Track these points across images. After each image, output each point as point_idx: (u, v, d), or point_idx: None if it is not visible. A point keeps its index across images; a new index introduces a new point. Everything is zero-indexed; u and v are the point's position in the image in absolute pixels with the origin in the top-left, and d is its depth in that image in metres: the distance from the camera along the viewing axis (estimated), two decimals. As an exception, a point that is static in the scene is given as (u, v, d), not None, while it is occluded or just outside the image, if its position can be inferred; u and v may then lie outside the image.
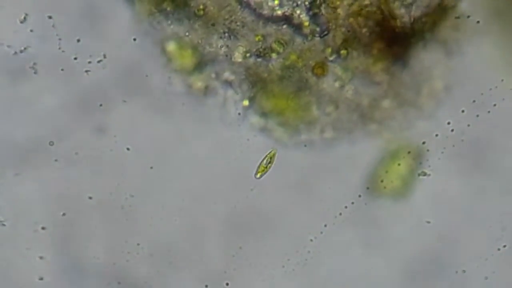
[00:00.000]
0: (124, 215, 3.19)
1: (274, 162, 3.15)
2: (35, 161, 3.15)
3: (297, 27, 3.12)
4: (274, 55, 3.14)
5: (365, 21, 3.12)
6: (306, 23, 3.12)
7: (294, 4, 3.11)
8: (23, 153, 3.15)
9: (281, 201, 3.21)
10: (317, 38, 3.13)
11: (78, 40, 3.12)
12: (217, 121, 3.17)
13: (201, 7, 3.11)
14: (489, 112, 3.21)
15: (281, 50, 3.13)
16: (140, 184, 3.18)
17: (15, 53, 3.11)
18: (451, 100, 3.20)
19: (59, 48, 3.12)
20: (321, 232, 3.22)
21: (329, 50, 3.13)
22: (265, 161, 3.15)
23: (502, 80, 3.19)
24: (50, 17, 3.11)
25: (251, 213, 3.21)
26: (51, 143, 3.11)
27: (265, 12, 3.11)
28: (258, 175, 3.16)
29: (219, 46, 3.13)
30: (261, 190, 3.19)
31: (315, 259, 3.22)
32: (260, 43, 3.13)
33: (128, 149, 3.17)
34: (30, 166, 3.15)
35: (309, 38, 3.13)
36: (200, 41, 3.13)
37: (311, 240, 3.22)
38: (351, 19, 3.11)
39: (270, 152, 3.14)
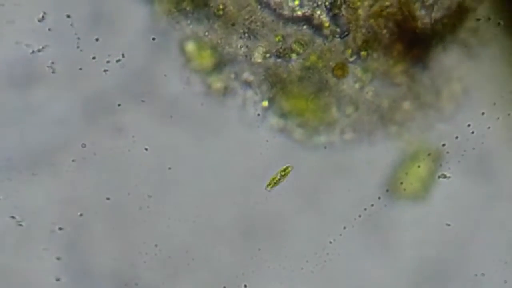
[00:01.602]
0: (141, 216, 3.16)
1: (287, 178, 3.14)
2: (52, 161, 3.12)
3: (317, 28, 3.11)
4: (294, 56, 3.12)
5: (385, 22, 3.10)
6: (326, 24, 3.10)
7: (315, 5, 3.09)
8: (41, 153, 3.13)
9: (300, 203, 3.19)
10: (337, 39, 3.11)
11: (97, 40, 3.10)
12: (236, 122, 3.15)
13: (221, 7, 3.09)
14: (509, 114, 3.19)
15: (301, 51, 3.12)
16: (158, 184, 3.16)
17: (33, 52, 3.09)
18: (471, 102, 3.19)
19: (78, 47, 3.10)
20: (340, 234, 3.20)
21: (349, 51, 3.12)
22: (278, 175, 3.13)
23: (524, 83, 3.19)
24: (68, 16, 3.08)
25: (270, 214, 3.19)
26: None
27: (285, 12, 3.10)
28: (269, 188, 3.14)
29: (238, 46, 3.11)
30: (280, 192, 3.17)
31: (334, 261, 3.21)
32: (280, 43, 3.11)
33: (146, 149, 3.15)
34: (47, 166, 3.12)
35: (329, 39, 3.11)
36: (219, 41, 3.11)
37: (330, 242, 3.20)
38: (371, 20, 3.10)
39: (287, 168, 3.12)
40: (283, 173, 3.13)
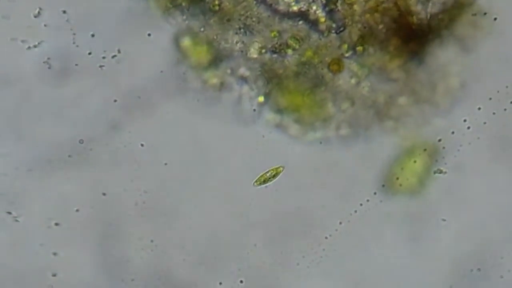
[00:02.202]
0: (137, 211, 3.17)
1: (277, 178, 3.14)
2: (48, 156, 3.13)
3: (313, 23, 3.11)
4: (289, 51, 3.12)
5: (381, 18, 3.10)
6: (322, 19, 3.10)
7: (310, 0, 3.09)
8: (37, 148, 3.13)
9: (296, 198, 3.19)
10: (333, 34, 3.11)
11: (93, 35, 3.10)
12: (232, 117, 3.14)
13: (217, 2, 3.09)
14: (505, 109, 3.19)
15: (297, 46, 3.11)
16: (154, 180, 3.16)
17: (29, 47, 3.09)
18: (467, 97, 3.18)
19: (74, 43, 3.10)
20: (336, 230, 3.20)
21: (345, 46, 3.11)
22: (268, 173, 3.13)
23: (519, 78, 3.18)
24: (64, 12, 3.08)
25: (265, 210, 3.19)
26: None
27: (281, 8, 3.10)
28: (256, 184, 3.14)
29: (234, 42, 3.11)
30: (276, 187, 3.17)
31: (330, 257, 3.21)
32: (276, 39, 3.11)
33: (142, 145, 3.15)
34: (43, 161, 3.13)
35: (325, 34, 3.11)
36: (215, 37, 3.11)
37: (326, 237, 3.20)
38: (367, 15, 3.10)
39: (278, 168, 3.12)
40: (273, 173, 3.13)
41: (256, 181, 3.13)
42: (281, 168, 3.13)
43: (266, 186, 3.16)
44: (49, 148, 3.13)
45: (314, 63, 3.12)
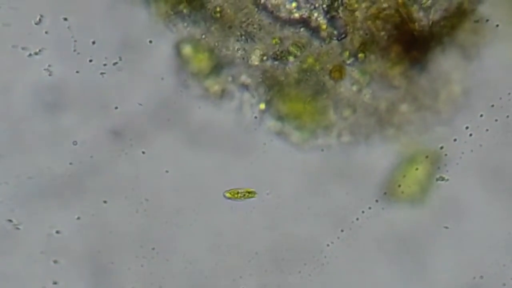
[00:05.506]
0: (139, 219, 3.16)
1: (247, 199, 3.13)
2: (49, 163, 3.12)
3: (315, 30, 3.10)
4: (291, 58, 3.11)
5: (383, 24, 3.09)
6: (324, 26, 3.09)
7: (312, 7, 3.08)
8: (37, 156, 3.12)
9: (297, 206, 3.18)
10: (335, 41, 3.10)
11: (94, 42, 3.10)
12: (233, 124, 3.14)
13: (218, 9, 3.08)
14: (507, 116, 3.18)
15: (298, 53, 3.11)
16: (155, 188, 3.15)
17: (30, 55, 3.08)
18: (469, 104, 3.17)
19: (74, 50, 3.09)
20: (338, 237, 3.19)
21: (347, 53, 3.10)
22: (242, 193, 3.11)
23: (522, 85, 3.17)
24: (65, 19, 3.08)
25: (267, 217, 3.18)
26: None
27: (282, 14, 3.09)
28: (228, 195, 3.12)
29: (235, 49, 3.10)
30: (278, 195, 3.16)
31: (332, 264, 3.20)
32: (277, 46, 3.10)
33: (143, 152, 3.14)
34: (44, 169, 3.12)
35: (327, 41, 3.10)
36: (216, 44, 3.10)
37: (328, 245, 3.19)
38: (369, 22, 3.09)
39: (251, 192, 3.11)
40: (247, 194, 3.12)
41: (228, 192, 3.12)
42: (254, 194, 3.12)
43: (268, 193, 3.15)
44: (50, 156, 3.12)
45: (316, 70, 3.12)
